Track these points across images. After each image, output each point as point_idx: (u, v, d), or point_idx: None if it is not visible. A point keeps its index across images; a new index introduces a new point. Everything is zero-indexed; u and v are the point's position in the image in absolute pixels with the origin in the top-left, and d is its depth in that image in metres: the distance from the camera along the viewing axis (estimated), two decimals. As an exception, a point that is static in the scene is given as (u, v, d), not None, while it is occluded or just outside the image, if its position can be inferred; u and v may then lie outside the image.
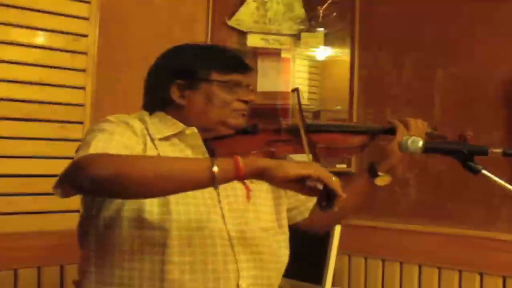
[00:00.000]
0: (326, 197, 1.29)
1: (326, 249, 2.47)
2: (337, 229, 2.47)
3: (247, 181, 1.39)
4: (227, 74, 1.58)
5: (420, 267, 2.59)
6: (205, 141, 1.56)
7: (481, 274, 2.42)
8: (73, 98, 2.52)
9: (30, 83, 2.41)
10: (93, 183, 1.27)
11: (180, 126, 1.56)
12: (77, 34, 2.53)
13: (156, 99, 1.62)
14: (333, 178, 1.29)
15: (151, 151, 1.50)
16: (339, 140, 1.67)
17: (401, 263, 2.64)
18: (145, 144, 1.50)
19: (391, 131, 1.70)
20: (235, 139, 1.59)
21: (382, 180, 1.67)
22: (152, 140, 1.52)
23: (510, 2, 2.45)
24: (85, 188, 1.33)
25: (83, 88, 2.54)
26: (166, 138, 1.54)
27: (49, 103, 2.45)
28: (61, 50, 2.49)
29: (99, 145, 1.37)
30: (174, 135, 1.55)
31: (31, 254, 2.36)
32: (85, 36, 2.55)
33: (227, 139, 1.59)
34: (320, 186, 1.28)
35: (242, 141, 1.59)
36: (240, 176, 1.27)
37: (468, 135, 1.66)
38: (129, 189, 1.28)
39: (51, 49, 2.46)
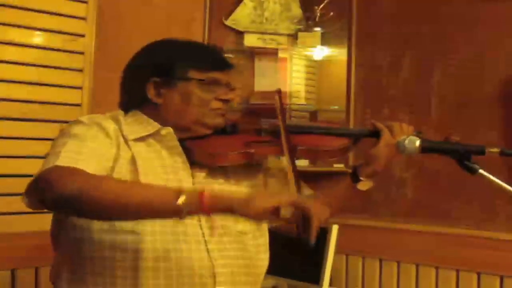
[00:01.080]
0: (304, 225, 1.21)
1: (324, 248, 2.47)
2: (335, 228, 2.47)
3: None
4: (206, 72, 1.52)
5: (417, 266, 2.59)
6: (182, 141, 1.52)
7: (478, 274, 2.43)
8: (70, 98, 2.51)
9: (27, 83, 2.40)
10: (55, 202, 1.26)
11: (155, 126, 1.51)
12: (74, 34, 2.52)
13: (132, 98, 1.57)
14: (310, 203, 1.22)
15: (124, 153, 1.45)
16: (321, 142, 1.62)
17: (398, 263, 2.65)
18: (118, 146, 1.45)
19: (375, 134, 1.64)
20: (213, 140, 1.55)
21: (364, 185, 1.63)
22: (126, 141, 1.47)
23: (507, 1, 2.45)
24: (48, 205, 1.31)
25: (80, 88, 2.53)
26: (141, 139, 1.49)
27: (46, 103, 2.44)
28: (58, 50, 2.48)
29: (68, 155, 1.32)
30: (149, 136, 1.50)
31: (29, 255, 2.35)
32: (82, 36, 2.55)
33: (205, 139, 1.55)
34: (297, 213, 1.21)
35: (220, 142, 1.55)
36: (204, 213, 1.23)
37: (453, 139, 1.62)
38: (89, 212, 1.27)
39: (48, 49, 2.45)
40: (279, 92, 1.59)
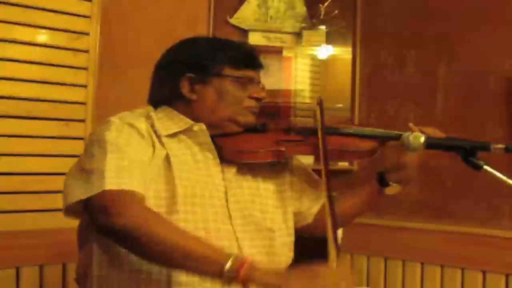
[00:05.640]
0: None
1: (328, 247, 2.46)
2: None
3: None
4: (240, 70, 1.53)
5: (422, 265, 2.59)
6: (212, 137, 1.52)
7: (483, 272, 2.42)
8: (75, 96, 2.51)
9: (32, 81, 2.40)
10: (109, 232, 1.31)
11: (188, 122, 1.51)
12: (78, 32, 2.53)
13: (164, 93, 1.56)
14: None
15: (159, 151, 1.45)
16: (350, 143, 1.62)
17: (403, 261, 2.64)
18: (153, 145, 1.45)
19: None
20: (244, 137, 1.55)
21: (393, 189, 1.66)
22: (159, 137, 1.47)
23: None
24: (100, 232, 1.35)
25: (85, 86, 2.54)
26: (173, 135, 1.49)
27: (51, 101, 2.45)
28: (63, 48, 2.48)
29: (112, 175, 1.33)
30: (181, 132, 1.50)
31: (33, 252, 2.35)
32: (87, 34, 2.55)
33: (235, 136, 1.55)
34: None
35: (251, 139, 1.55)
36: (239, 282, 1.24)
37: None
38: (137, 252, 1.31)
39: (53, 47, 2.46)
40: (320, 103, 1.59)
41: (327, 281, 1.24)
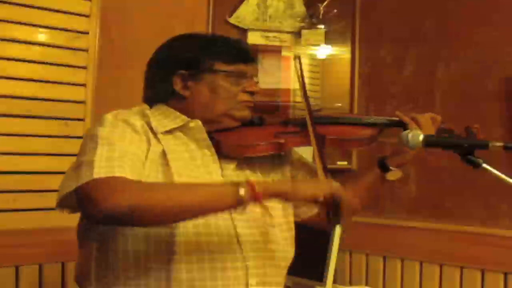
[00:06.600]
0: (336, 212, 1.35)
1: (328, 246, 2.47)
2: (338, 225, 2.46)
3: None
4: (232, 64, 1.54)
5: (421, 263, 2.59)
6: (209, 133, 1.53)
7: (482, 271, 2.42)
8: (74, 95, 2.51)
9: (31, 80, 2.41)
10: (109, 217, 1.29)
11: (183, 118, 1.51)
12: (78, 32, 2.53)
13: (158, 91, 1.57)
14: (344, 193, 1.36)
15: (154, 147, 1.45)
16: (348, 132, 1.65)
17: (402, 260, 2.65)
18: (148, 141, 1.45)
19: (401, 124, 1.68)
20: (242, 131, 1.56)
21: (394, 174, 1.66)
22: (155, 134, 1.48)
23: (511, -3, 2.45)
24: (95, 221, 1.35)
25: (84, 85, 2.54)
26: (169, 132, 1.50)
27: (50, 100, 2.45)
28: (62, 47, 2.48)
29: (102, 164, 1.32)
30: (177, 128, 1.51)
31: (32, 251, 2.35)
32: (86, 33, 2.55)
33: (233, 131, 1.56)
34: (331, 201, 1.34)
35: (248, 133, 1.56)
36: (258, 201, 1.31)
37: (474, 128, 1.64)
38: (151, 221, 1.32)
39: (52, 46, 2.46)
40: (298, 58, 1.64)
41: (329, 184, 1.37)
